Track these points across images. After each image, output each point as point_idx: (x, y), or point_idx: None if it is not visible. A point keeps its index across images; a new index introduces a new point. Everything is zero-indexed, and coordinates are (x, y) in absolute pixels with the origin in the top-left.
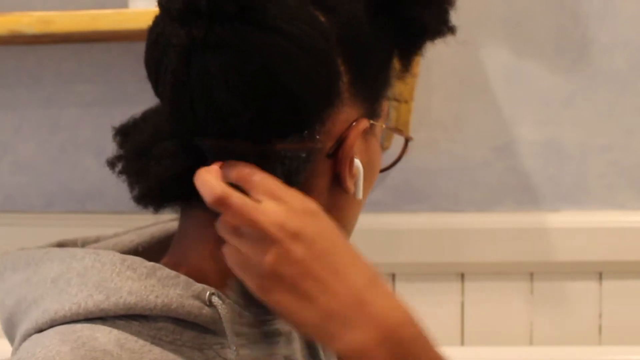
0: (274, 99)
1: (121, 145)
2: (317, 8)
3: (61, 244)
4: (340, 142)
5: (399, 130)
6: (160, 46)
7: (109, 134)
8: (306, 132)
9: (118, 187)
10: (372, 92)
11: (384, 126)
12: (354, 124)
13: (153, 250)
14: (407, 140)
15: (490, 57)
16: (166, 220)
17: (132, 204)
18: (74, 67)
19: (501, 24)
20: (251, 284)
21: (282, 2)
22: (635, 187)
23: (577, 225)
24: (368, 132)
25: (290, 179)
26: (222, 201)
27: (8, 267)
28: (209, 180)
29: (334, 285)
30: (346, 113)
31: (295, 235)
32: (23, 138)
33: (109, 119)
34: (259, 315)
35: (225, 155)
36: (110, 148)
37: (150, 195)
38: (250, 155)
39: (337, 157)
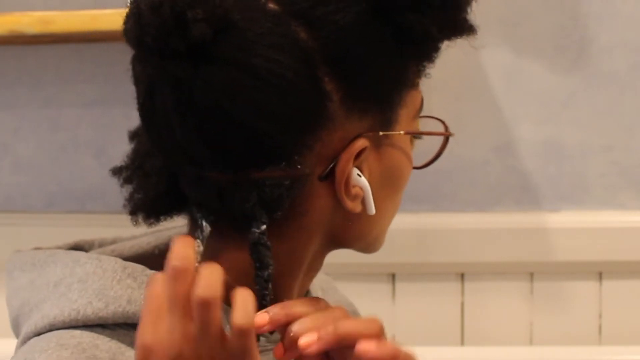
0: (230, 135)
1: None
2: (300, 23)
3: (78, 244)
4: (333, 165)
5: (435, 133)
6: (133, 77)
7: (109, 134)
8: (284, 163)
9: (118, 187)
10: (378, 103)
11: (402, 133)
12: (348, 145)
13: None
14: (447, 137)
15: (490, 57)
16: (184, 224)
17: None
18: (74, 67)
19: (501, 24)
20: None
21: (250, 27)
22: (635, 187)
23: (577, 225)
24: (380, 143)
25: (271, 205)
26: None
27: (17, 266)
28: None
29: None
30: (343, 131)
31: None
32: (23, 138)
33: (109, 119)
34: None
35: (198, 182)
36: (110, 148)
37: (143, 209)
38: (221, 183)
39: (333, 178)
